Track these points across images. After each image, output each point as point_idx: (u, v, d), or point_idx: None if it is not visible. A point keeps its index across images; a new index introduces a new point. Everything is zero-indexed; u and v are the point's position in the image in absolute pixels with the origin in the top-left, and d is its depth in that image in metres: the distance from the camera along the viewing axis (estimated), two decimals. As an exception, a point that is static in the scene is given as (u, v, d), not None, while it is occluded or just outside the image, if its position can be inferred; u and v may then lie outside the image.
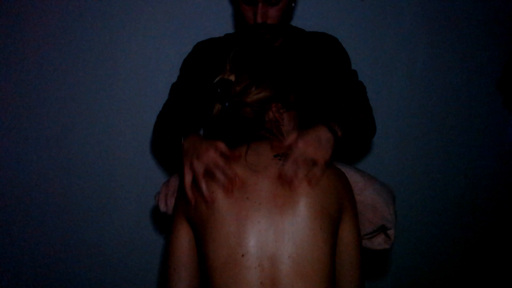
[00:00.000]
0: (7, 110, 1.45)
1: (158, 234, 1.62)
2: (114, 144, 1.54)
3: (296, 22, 1.37)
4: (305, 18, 1.51)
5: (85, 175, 1.53)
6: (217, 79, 0.95)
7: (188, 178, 0.87)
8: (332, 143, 0.92)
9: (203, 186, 0.84)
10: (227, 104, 0.93)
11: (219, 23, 1.51)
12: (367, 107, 1.23)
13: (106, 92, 1.51)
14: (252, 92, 0.93)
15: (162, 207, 1.09)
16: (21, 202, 1.50)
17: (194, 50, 1.30)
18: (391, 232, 1.07)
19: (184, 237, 0.89)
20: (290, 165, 0.85)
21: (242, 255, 0.79)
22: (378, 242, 1.10)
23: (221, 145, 0.88)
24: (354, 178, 1.03)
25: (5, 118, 1.46)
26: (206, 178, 0.86)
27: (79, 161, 1.52)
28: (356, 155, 1.73)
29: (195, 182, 0.87)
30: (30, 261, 1.54)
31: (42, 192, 1.51)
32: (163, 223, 1.58)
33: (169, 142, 1.06)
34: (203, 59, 1.25)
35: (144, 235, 1.61)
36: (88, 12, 1.45)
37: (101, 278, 1.60)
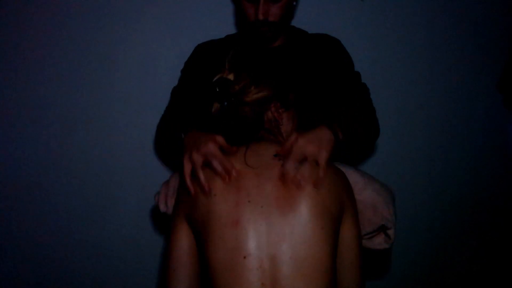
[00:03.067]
0: (7, 110, 1.45)
1: (158, 234, 1.62)
2: (114, 144, 1.54)
3: (297, 22, 1.37)
4: (305, 18, 1.51)
5: (85, 175, 1.53)
6: (216, 78, 0.95)
7: (187, 168, 0.89)
8: (332, 144, 0.92)
9: (201, 176, 0.86)
10: (226, 103, 0.93)
11: (220, 23, 1.51)
12: (371, 109, 1.22)
13: (107, 93, 1.51)
14: (251, 92, 0.92)
15: (162, 207, 1.09)
16: (21, 202, 1.50)
17: (195, 52, 1.30)
18: (391, 232, 1.07)
19: (184, 238, 0.89)
20: (291, 163, 0.85)
21: (244, 257, 0.79)
22: (378, 242, 1.10)
23: (220, 139, 0.91)
24: (354, 178, 1.03)
25: (5, 118, 1.46)
26: (204, 169, 0.87)
27: (79, 161, 1.52)
28: (356, 155, 1.73)
29: (194, 175, 0.88)
30: (30, 261, 1.54)
31: (42, 192, 1.51)
32: (163, 223, 1.58)
33: (171, 141, 1.07)
34: (203, 61, 1.25)
35: (144, 235, 1.61)
36: (88, 13, 1.45)
37: (101, 278, 1.60)
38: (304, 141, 0.88)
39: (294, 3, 1.20)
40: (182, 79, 1.29)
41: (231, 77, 0.93)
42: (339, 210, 0.86)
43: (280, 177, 0.85)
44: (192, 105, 1.22)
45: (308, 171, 0.85)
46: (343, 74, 1.25)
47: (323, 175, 0.85)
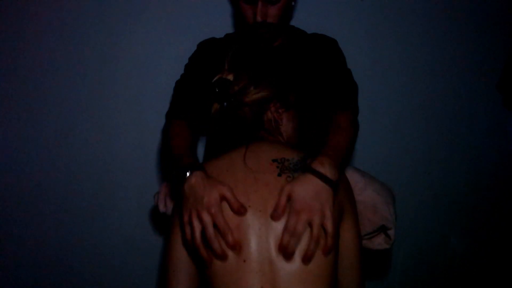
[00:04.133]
0: (7, 110, 1.45)
1: (157, 234, 1.62)
2: (114, 144, 1.54)
3: (296, 22, 1.37)
4: (304, 18, 1.51)
5: (85, 175, 1.53)
6: (215, 79, 0.94)
7: (198, 232, 0.81)
8: (333, 192, 0.83)
9: (216, 246, 0.79)
10: (225, 103, 0.92)
11: (220, 23, 1.51)
12: (354, 112, 1.16)
13: (107, 93, 1.51)
14: (250, 92, 0.92)
15: (162, 207, 1.09)
16: (21, 202, 1.50)
17: (198, 48, 1.30)
18: (391, 232, 1.07)
19: (183, 239, 0.88)
20: (291, 236, 0.78)
21: (244, 261, 0.79)
22: (378, 242, 1.10)
23: (228, 194, 0.81)
24: (354, 178, 1.03)
25: (5, 118, 1.46)
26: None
27: (79, 161, 1.52)
28: (356, 155, 1.73)
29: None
30: (30, 261, 1.54)
31: (42, 192, 1.51)
32: (162, 223, 1.58)
33: (173, 164, 0.96)
34: (205, 58, 1.25)
35: (144, 235, 1.61)
36: (89, 12, 1.45)
37: (101, 278, 1.60)
38: (304, 205, 0.80)
39: (293, 3, 1.20)
40: (185, 74, 1.28)
41: (230, 77, 0.93)
42: (338, 212, 0.86)
43: (280, 249, 0.79)
44: (195, 103, 1.21)
45: (316, 244, 0.79)
46: (333, 70, 1.23)
47: (332, 241, 0.79)
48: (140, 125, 1.53)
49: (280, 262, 0.79)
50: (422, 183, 1.81)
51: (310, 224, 0.79)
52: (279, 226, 0.81)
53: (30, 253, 1.53)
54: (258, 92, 0.93)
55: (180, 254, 0.88)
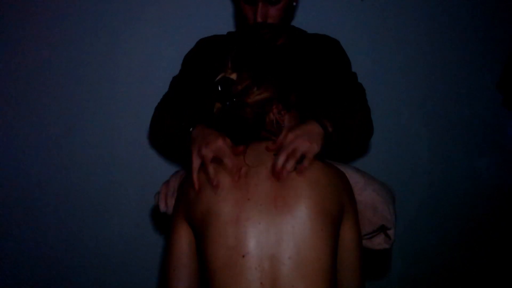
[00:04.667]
0: (7, 110, 1.45)
1: (158, 234, 1.62)
2: (114, 144, 1.54)
3: (296, 22, 1.37)
4: (305, 18, 1.51)
5: (85, 175, 1.53)
6: (218, 77, 0.94)
7: (196, 163, 0.90)
8: (322, 137, 0.93)
9: (211, 170, 0.87)
10: (228, 103, 0.93)
11: (221, 23, 1.51)
12: (365, 109, 1.21)
13: (107, 92, 1.51)
14: (253, 93, 0.92)
15: (162, 207, 1.09)
16: (21, 202, 1.50)
17: (197, 45, 1.30)
18: (391, 232, 1.07)
19: (183, 238, 0.89)
20: (280, 157, 0.86)
21: (243, 256, 0.79)
22: (378, 242, 1.10)
23: (227, 139, 0.92)
24: (354, 178, 1.03)
25: (5, 118, 1.46)
26: (213, 164, 0.88)
27: (79, 161, 1.52)
28: (356, 155, 1.73)
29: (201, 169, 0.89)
30: (30, 261, 1.54)
31: (42, 192, 1.51)
32: (163, 223, 1.58)
33: (174, 130, 1.07)
34: (205, 55, 1.25)
35: (144, 235, 1.61)
36: (88, 10, 1.45)
37: (101, 278, 1.60)
38: (293, 136, 0.90)
39: (294, 3, 1.20)
40: (183, 70, 1.29)
41: (233, 76, 0.93)
42: (339, 211, 0.86)
43: (271, 170, 0.86)
44: (190, 98, 1.22)
45: (293, 163, 0.86)
46: (340, 74, 1.24)
47: (306, 165, 0.86)
48: (140, 125, 1.53)
49: (280, 258, 0.79)
50: (422, 183, 1.81)
51: (295, 150, 0.87)
52: (279, 221, 0.81)
53: (30, 253, 1.53)
54: (261, 93, 0.93)
55: (180, 253, 0.88)
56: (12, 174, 1.48)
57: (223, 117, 0.95)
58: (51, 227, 1.54)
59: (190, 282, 0.87)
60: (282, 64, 1.18)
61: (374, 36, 1.67)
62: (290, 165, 0.85)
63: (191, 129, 0.99)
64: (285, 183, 0.84)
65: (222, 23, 1.51)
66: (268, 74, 0.95)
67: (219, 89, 0.93)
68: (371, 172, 1.11)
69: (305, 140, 0.90)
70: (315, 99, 1.20)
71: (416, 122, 1.77)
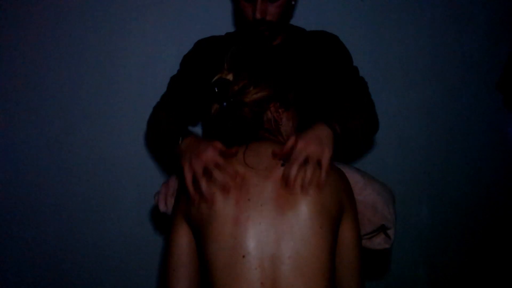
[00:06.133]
0: (7, 110, 1.45)
1: (158, 234, 1.62)
2: (114, 144, 1.54)
3: (296, 21, 1.37)
4: (305, 18, 1.51)
5: (84, 175, 1.53)
6: (215, 79, 0.95)
7: (188, 177, 0.88)
8: (332, 140, 0.92)
9: (203, 185, 0.85)
10: (225, 104, 0.93)
11: (220, 22, 1.51)
12: (369, 103, 1.21)
13: (106, 92, 1.51)
14: (250, 92, 0.92)
15: (162, 207, 1.09)
16: (21, 202, 1.50)
17: (195, 46, 1.30)
18: (391, 232, 1.07)
19: (183, 238, 0.89)
20: (294, 167, 0.84)
21: (243, 256, 0.79)
22: (378, 242, 1.10)
23: (218, 144, 0.90)
24: (354, 178, 1.03)
25: (5, 118, 1.45)
26: (206, 178, 0.86)
27: (78, 161, 1.52)
28: (356, 155, 1.73)
29: (195, 181, 0.87)
30: (30, 261, 1.54)
31: (42, 192, 1.51)
32: (163, 223, 1.58)
33: (165, 141, 1.06)
34: (203, 56, 1.25)
35: (144, 235, 1.61)
36: (87, 11, 1.45)
37: (101, 278, 1.60)
38: (304, 143, 0.87)
39: (293, 2, 1.20)
40: (181, 71, 1.29)
41: (230, 77, 0.93)
42: (338, 210, 0.86)
43: (280, 178, 0.84)
44: (188, 99, 1.22)
45: (311, 174, 0.84)
46: (341, 69, 1.24)
47: (325, 175, 0.85)
48: (139, 125, 1.53)
49: (280, 258, 0.79)
50: (422, 183, 1.81)
51: (308, 158, 0.85)
52: (278, 221, 0.81)
53: (30, 253, 1.53)
54: (258, 92, 0.93)
55: (180, 253, 0.88)
56: (12, 174, 1.48)
57: (221, 117, 0.95)
58: (51, 227, 1.53)
59: (190, 282, 0.87)
60: (279, 63, 1.18)
61: (374, 36, 1.67)
62: (309, 174, 0.84)
63: (180, 140, 0.97)
64: (288, 187, 0.84)
65: (222, 21, 1.51)
66: (265, 73, 0.95)
67: (216, 90, 0.93)
68: (371, 172, 1.11)
69: (317, 145, 0.87)
70: (314, 97, 1.20)
71: (416, 122, 1.77)
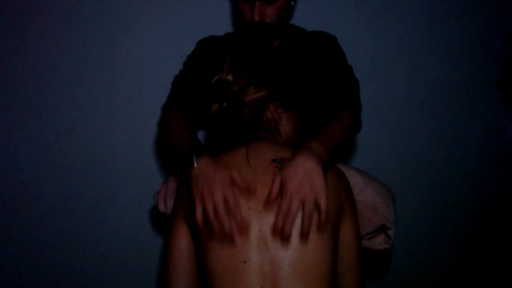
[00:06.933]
0: (7, 110, 1.45)
1: (157, 234, 1.62)
2: (113, 144, 1.54)
3: (296, 22, 1.37)
4: (305, 18, 1.51)
5: (84, 175, 1.53)
6: (215, 79, 0.95)
7: (199, 213, 0.82)
8: (322, 171, 0.84)
9: (216, 226, 0.80)
10: (224, 104, 0.93)
11: (219, 22, 1.51)
12: (356, 110, 1.15)
13: (106, 92, 1.51)
14: (250, 92, 0.92)
15: (161, 207, 1.09)
16: (21, 202, 1.50)
17: (197, 46, 1.30)
18: (391, 232, 1.07)
19: (183, 239, 0.88)
20: (287, 222, 0.78)
21: (244, 262, 0.79)
22: (378, 242, 1.10)
23: (235, 175, 0.83)
24: (354, 178, 1.03)
25: (5, 118, 1.45)
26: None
27: (78, 161, 1.52)
28: (356, 155, 1.73)
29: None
30: (30, 261, 1.54)
31: (42, 192, 1.51)
32: (162, 223, 1.58)
33: (178, 156, 0.97)
34: (204, 55, 1.25)
35: (144, 235, 1.61)
36: (87, 11, 1.45)
37: (100, 278, 1.60)
38: (296, 187, 0.80)
39: (292, 3, 1.20)
40: (184, 70, 1.28)
41: (229, 77, 0.93)
42: (337, 212, 0.86)
43: (274, 232, 0.80)
44: (194, 100, 1.20)
45: (311, 221, 0.79)
46: (333, 67, 1.22)
47: (325, 217, 0.79)
48: (140, 125, 1.53)
49: (280, 263, 0.79)
50: (422, 183, 1.81)
51: (303, 203, 0.79)
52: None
53: (30, 253, 1.53)
54: (257, 92, 0.93)
55: (180, 254, 0.88)
56: (12, 174, 1.48)
57: (221, 117, 0.95)
58: (51, 227, 1.53)
59: (190, 283, 0.87)
60: (279, 63, 1.18)
61: (374, 37, 1.66)
62: (308, 225, 0.78)
63: (194, 161, 0.87)
64: (279, 237, 0.80)
65: (221, 22, 1.51)
66: (264, 73, 0.95)
67: (216, 90, 0.93)
68: (371, 172, 1.11)
69: (310, 185, 0.80)
70: (313, 97, 1.20)
71: (416, 122, 1.77)
